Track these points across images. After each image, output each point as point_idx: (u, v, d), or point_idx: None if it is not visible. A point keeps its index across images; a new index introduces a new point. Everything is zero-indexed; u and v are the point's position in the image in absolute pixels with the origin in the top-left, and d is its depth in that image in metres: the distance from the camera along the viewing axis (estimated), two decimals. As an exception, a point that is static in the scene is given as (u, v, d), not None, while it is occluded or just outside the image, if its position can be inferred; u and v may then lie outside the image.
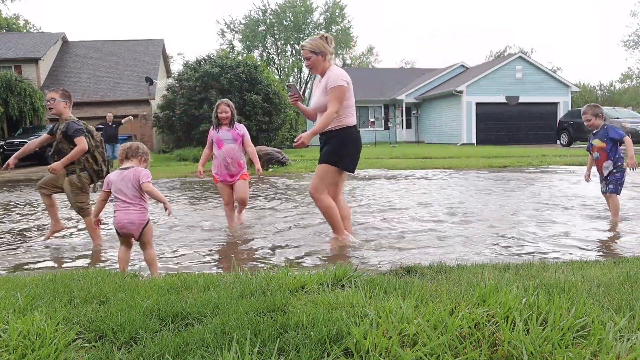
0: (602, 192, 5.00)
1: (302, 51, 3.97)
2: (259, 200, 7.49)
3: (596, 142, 4.88)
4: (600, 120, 4.86)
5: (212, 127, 5.25)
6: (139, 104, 24.68)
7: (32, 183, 11.74)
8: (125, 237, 3.38)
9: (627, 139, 4.77)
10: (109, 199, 3.43)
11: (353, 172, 4.09)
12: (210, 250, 4.39)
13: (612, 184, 4.79)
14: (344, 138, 3.94)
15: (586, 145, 5.16)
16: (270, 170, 12.36)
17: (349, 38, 47.46)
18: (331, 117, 3.83)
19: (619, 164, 4.79)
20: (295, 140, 3.78)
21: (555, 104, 24.11)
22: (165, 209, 3.26)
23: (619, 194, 4.82)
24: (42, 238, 4.96)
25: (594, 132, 4.90)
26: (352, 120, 3.98)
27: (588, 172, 5.18)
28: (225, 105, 5.14)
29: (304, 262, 3.85)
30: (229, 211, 5.31)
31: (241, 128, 5.23)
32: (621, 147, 4.87)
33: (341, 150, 3.93)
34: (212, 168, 5.27)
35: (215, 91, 18.19)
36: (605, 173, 4.84)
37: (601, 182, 4.98)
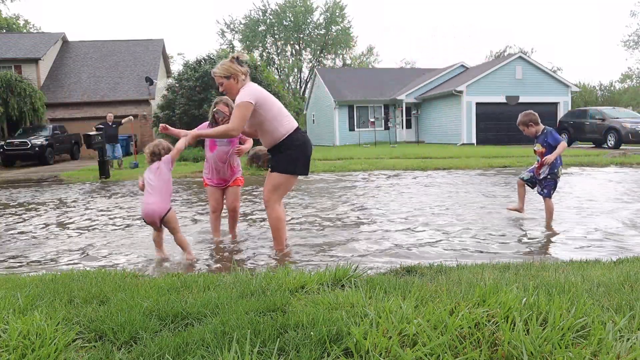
0: (522, 179, 5.17)
1: (215, 77, 3.86)
2: (254, 202, 7.49)
3: (537, 147, 4.99)
4: (536, 126, 4.93)
5: (208, 123, 4.73)
6: (139, 104, 24.67)
7: (31, 183, 11.75)
8: (150, 225, 3.88)
9: (562, 145, 4.81)
10: None
11: (306, 174, 4.05)
12: (210, 251, 4.39)
13: (546, 188, 4.94)
14: (289, 145, 3.84)
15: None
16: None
17: (349, 38, 47.43)
18: (226, 132, 3.72)
19: (555, 170, 4.91)
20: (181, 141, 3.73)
21: (555, 104, 24.08)
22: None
23: (550, 197, 4.97)
24: None
25: (536, 137, 4.98)
26: (287, 127, 3.84)
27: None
28: (224, 104, 4.62)
29: (301, 263, 3.85)
30: (215, 220, 4.77)
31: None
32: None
33: (291, 157, 3.85)
34: (203, 170, 4.83)
35: (215, 91, 18.17)
36: (542, 176, 4.97)
37: (526, 171, 5.17)
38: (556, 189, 5.03)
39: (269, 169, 4.00)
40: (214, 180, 4.70)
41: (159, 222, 3.80)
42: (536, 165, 5.02)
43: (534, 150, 5.04)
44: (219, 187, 4.72)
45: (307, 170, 4.01)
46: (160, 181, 3.82)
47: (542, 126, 4.95)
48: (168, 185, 3.85)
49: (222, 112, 4.50)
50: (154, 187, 3.80)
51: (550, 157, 4.79)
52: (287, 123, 3.86)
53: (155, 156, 3.90)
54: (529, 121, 4.92)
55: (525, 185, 5.13)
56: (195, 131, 3.89)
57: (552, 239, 4.45)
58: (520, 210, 5.21)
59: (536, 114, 4.99)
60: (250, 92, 3.73)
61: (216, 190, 4.72)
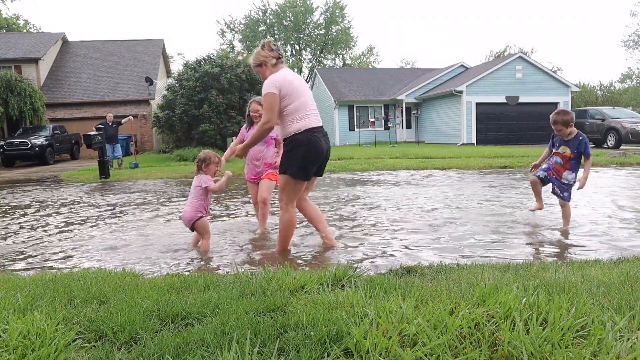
0: (537, 177, 4.94)
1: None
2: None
3: (564, 150, 4.76)
4: (572, 128, 4.71)
5: (244, 125, 5.05)
6: (139, 104, 24.67)
7: (31, 183, 11.75)
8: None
9: (590, 161, 4.71)
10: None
11: (308, 179, 3.80)
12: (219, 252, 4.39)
13: (567, 192, 4.82)
14: (293, 145, 3.70)
15: (550, 144, 4.93)
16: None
17: (349, 38, 47.41)
18: (263, 128, 3.68)
19: (575, 176, 4.81)
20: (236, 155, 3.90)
21: (555, 104, 24.05)
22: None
23: (570, 201, 4.86)
24: None
25: (565, 139, 4.74)
26: (300, 125, 3.68)
27: (539, 162, 5.06)
28: (257, 103, 4.81)
29: (304, 263, 3.85)
30: (258, 211, 5.10)
31: (275, 129, 4.90)
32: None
33: (291, 158, 3.71)
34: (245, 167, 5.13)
35: (215, 91, 18.18)
36: (565, 182, 4.81)
37: (540, 170, 4.92)
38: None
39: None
40: (250, 175, 5.05)
41: (190, 226, 4.24)
42: (551, 166, 4.84)
43: (558, 152, 4.80)
44: (255, 182, 5.03)
45: (307, 176, 3.77)
46: (192, 194, 4.28)
47: (575, 130, 4.75)
48: (200, 200, 4.23)
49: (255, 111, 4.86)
50: (189, 197, 4.30)
51: (585, 182, 4.64)
52: (301, 120, 3.69)
53: (197, 165, 4.29)
54: (570, 120, 4.65)
55: (540, 182, 4.92)
56: (240, 147, 3.94)
57: (555, 239, 4.45)
58: (541, 208, 5.06)
59: (573, 114, 4.78)
60: (273, 80, 3.65)
61: (253, 185, 5.06)
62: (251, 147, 3.92)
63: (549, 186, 4.95)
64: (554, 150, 4.89)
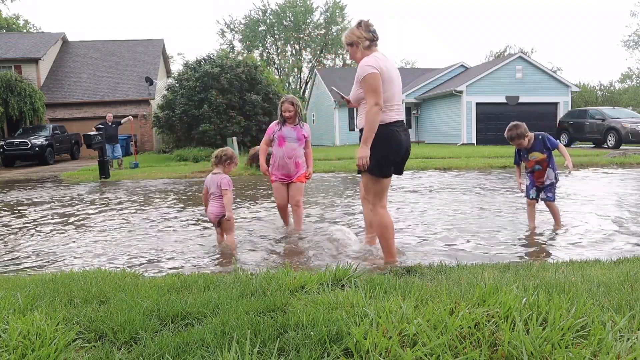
0: (534, 199, 4.88)
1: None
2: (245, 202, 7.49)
3: (535, 155, 4.74)
4: (529, 135, 4.69)
5: (275, 122, 4.94)
6: (139, 104, 24.67)
7: (30, 183, 11.75)
8: (212, 223, 4.46)
9: (562, 146, 4.71)
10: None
11: (389, 176, 3.53)
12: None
13: (551, 192, 4.81)
14: (374, 139, 3.36)
15: (515, 158, 4.90)
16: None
17: (349, 38, 47.35)
18: (372, 111, 3.29)
19: (557, 172, 4.81)
20: (358, 165, 3.32)
21: (555, 104, 24.08)
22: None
23: (554, 200, 4.85)
24: None
25: (528, 147, 4.73)
26: (382, 118, 3.37)
27: (520, 180, 4.98)
28: (289, 103, 4.81)
29: (307, 263, 3.85)
30: (283, 212, 5.05)
31: (306, 129, 4.94)
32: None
33: (370, 154, 3.36)
34: (270, 167, 5.00)
35: (215, 91, 18.18)
36: (547, 182, 4.79)
37: (531, 189, 4.87)
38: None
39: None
40: (278, 176, 4.93)
41: (217, 222, 4.37)
42: (532, 178, 4.82)
43: (527, 159, 4.78)
44: (283, 183, 4.94)
45: (388, 172, 3.50)
46: (215, 193, 4.33)
47: (531, 134, 4.73)
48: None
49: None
50: (213, 195, 4.34)
51: (571, 164, 4.63)
52: (384, 113, 3.39)
53: (216, 160, 4.34)
54: (524, 132, 4.64)
55: (535, 202, 4.91)
56: (362, 148, 3.35)
57: (553, 240, 4.45)
58: (534, 228, 4.90)
59: (523, 123, 4.76)
60: (375, 60, 3.37)
61: (281, 186, 4.95)
62: (371, 139, 3.37)
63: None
64: (525, 162, 4.85)
